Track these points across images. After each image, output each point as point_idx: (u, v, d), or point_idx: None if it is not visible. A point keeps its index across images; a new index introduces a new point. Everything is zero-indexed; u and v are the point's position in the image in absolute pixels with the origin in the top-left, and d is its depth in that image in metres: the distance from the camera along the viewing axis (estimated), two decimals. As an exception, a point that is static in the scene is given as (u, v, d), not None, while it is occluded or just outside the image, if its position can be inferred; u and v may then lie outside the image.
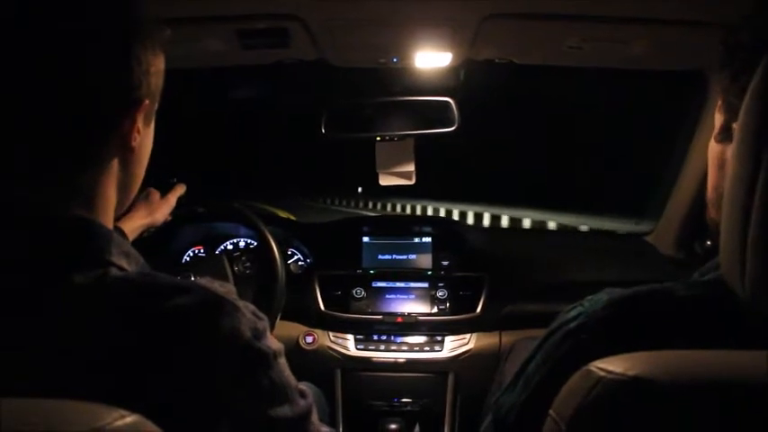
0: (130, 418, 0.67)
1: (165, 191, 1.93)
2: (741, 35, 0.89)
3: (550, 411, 0.75)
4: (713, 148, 0.99)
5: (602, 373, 0.69)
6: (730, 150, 0.90)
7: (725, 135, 0.93)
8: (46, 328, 0.79)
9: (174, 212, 1.97)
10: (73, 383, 0.75)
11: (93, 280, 0.82)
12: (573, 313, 0.97)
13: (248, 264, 2.25)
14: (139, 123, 0.93)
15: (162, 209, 1.90)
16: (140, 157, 0.99)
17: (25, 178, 0.86)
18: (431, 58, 2.03)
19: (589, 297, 0.97)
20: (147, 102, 0.93)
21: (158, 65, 0.96)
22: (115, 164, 0.93)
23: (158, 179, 1.76)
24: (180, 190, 1.97)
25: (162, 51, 0.97)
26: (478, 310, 2.50)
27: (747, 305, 0.69)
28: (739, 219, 0.68)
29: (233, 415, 0.84)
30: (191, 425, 0.80)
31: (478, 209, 17.35)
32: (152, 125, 1.02)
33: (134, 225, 1.80)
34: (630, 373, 0.67)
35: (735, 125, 0.89)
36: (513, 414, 1.03)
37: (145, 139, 0.98)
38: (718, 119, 0.95)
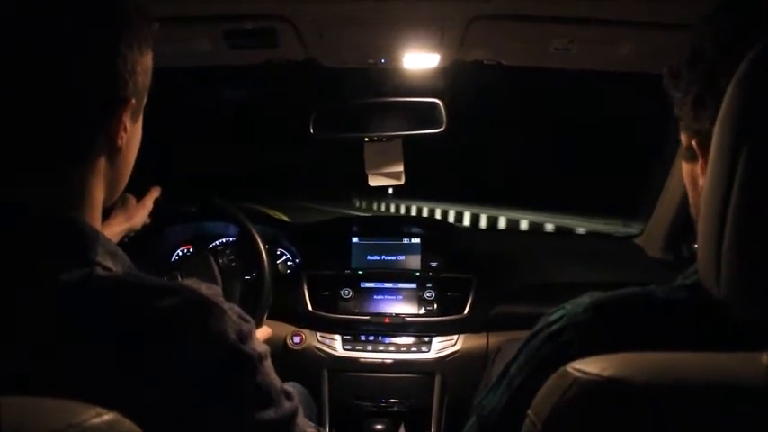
0: (107, 416, 0.67)
1: (141, 194, 1.93)
2: (691, 52, 0.90)
3: (528, 412, 0.75)
4: (685, 167, 0.99)
5: (578, 374, 0.69)
6: (698, 168, 0.91)
7: (690, 154, 0.94)
8: (29, 326, 0.79)
9: (154, 214, 1.97)
10: (54, 381, 0.75)
11: (78, 279, 0.81)
12: (555, 315, 0.97)
13: (232, 257, 2.24)
14: (126, 122, 0.93)
15: (140, 213, 1.90)
16: (127, 154, 0.99)
17: (11, 177, 0.86)
18: (419, 59, 2.03)
19: (572, 300, 0.98)
20: (133, 101, 0.93)
21: (145, 63, 0.95)
22: (102, 162, 0.93)
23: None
24: (155, 193, 1.97)
25: (150, 48, 0.96)
26: (466, 311, 2.51)
27: (723, 308, 0.70)
28: (715, 224, 0.68)
29: (216, 417, 0.84)
30: (174, 427, 0.80)
31: (473, 209, 17.34)
32: (140, 122, 1.02)
33: (113, 231, 1.80)
34: (605, 374, 0.67)
35: (693, 143, 0.90)
36: (495, 415, 1.03)
37: (132, 137, 0.98)
38: (683, 139, 0.96)
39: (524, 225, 14.40)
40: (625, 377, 0.66)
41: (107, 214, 1.18)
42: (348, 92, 2.36)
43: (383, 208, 21.74)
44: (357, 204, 23.34)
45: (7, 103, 0.83)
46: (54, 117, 0.85)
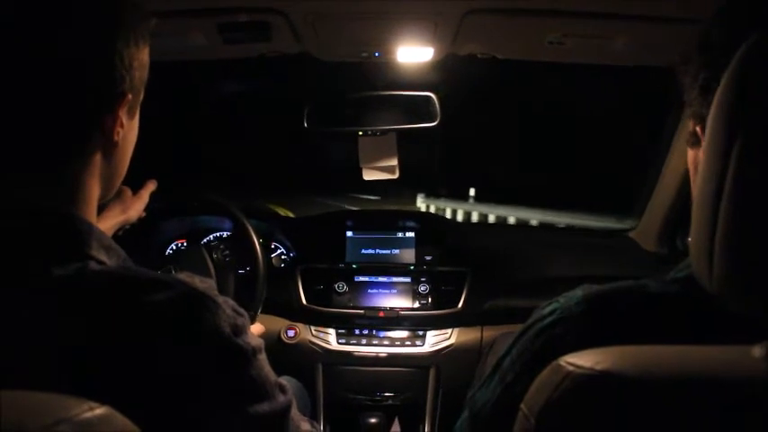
0: (99, 410, 0.67)
1: (137, 187, 1.93)
2: (701, 38, 0.90)
3: (521, 405, 0.75)
4: (689, 153, 0.99)
5: (571, 368, 0.69)
6: (701, 154, 0.91)
7: (694, 140, 0.94)
8: (22, 320, 0.79)
9: (149, 208, 1.96)
10: (48, 375, 0.75)
11: (72, 273, 0.82)
12: (548, 309, 0.97)
13: (227, 251, 2.24)
14: (122, 117, 0.93)
15: (135, 206, 1.89)
16: (124, 150, 0.99)
17: (7, 171, 0.86)
18: (413, 53, 2.03)
19: (565, 293, 0.98)
20: (129, 96, 0.93)
21: (142, 58, 0.95)
22: (98, 157, 0.93)
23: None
24: (152, 186, 1.96)
25: (146, 43, 0.97)
26: (460, 304, 2.51)
27: (716, 302, 0.70)
28: (708, 217, 0.68)
29: (210, 411, 0.84)
30: (168, 420, 0.80)
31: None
32: (136, 117, 1.02)
33: (108, 224, 1.79)
34: (599, 367, 0.67)
35: (698, 129, 0.90)
36: (487, 409, 1.03)
37: (128, 132, 0.98)
38: (690, 125, 0.96)
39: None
40: (618, 371, 0.66)
41: (102, 206, 1.19)
42: (342, 85, 2.36)
43: (459, 216, 15.67)
44: (423, 208, 17.88)
45: (2, 98, 0.83)
46: (50, 112, 0.85)
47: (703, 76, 0.88)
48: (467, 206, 15.95)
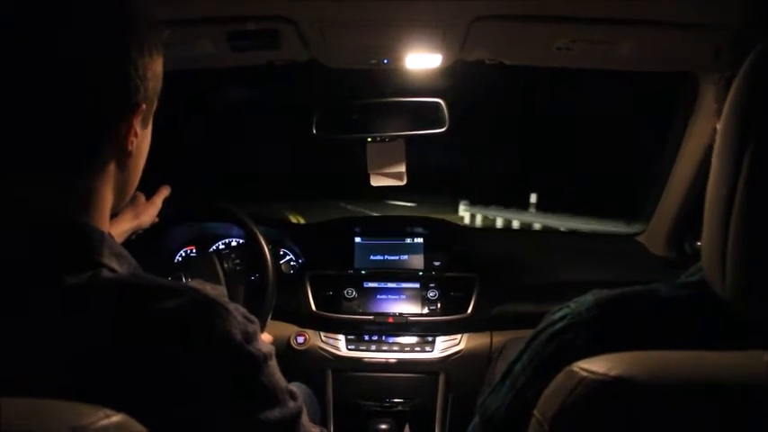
0: (115, 418, 0.67)
1: (151, 193, 1.93)
2: (728, 40, 0.89)
3: (534, 411, 0.75)
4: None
5: (585, 374, 0.69)
6: None
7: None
8: (35, 328, 0.79)
9: (162, 214, 1.97)
10: (61, 383, 0.75)
11: (84, 281, 0.82)
12: (559, 314, 0.97)
13: (238, 261, 2.24)
14: (136, 127, 0.93)
15: (148, 211, 1.90)
16: (137, 159, 1.00)
17: (21, 180, 0.87)
18: (421, 60, 2.04)
19: (576, 298, 0.98)
20: (143, 106, 0.93)
21: (156, 68, 0.96)
22: (112, 166, 0.93)
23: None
24: (165, 192, 1.97)
25: (160, 54, 0.97)
26: (469, 310, 2.51)
27: (727, 306, 0.70)
28: (720, 222, 0.69)
29: (222, 417, 0.84)
30: (178, 427, 0.80)
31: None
32: (149, 127, 1.02)
33: (121, 229, 1.80)
34: (612, 373, 0.67)
35: (719, 125, 0.90)
36: (499, 415, 1.03)
37: (142, 141, 0.99)
38: (714, 122, 0.96)
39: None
40: (632, 376, 0.67)
41: (115, 212, 1.21)
42: (350, 92, 2.37)
43: (516, 225, 13.10)
44: (466, 219, 15.30)
45: (19, 106, 0.84)
46: (66, 122, 0.85)
47: (730, 73, 0.88)
48: (525, 216, 13.60)
